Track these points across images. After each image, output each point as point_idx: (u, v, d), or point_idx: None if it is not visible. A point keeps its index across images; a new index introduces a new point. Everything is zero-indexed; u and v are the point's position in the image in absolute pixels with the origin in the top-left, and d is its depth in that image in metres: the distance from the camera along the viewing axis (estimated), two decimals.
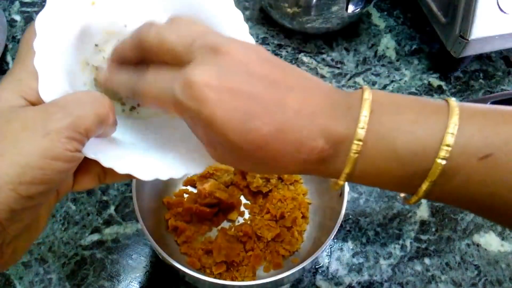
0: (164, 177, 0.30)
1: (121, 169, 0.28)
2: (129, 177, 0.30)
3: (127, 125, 0.32)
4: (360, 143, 0.25)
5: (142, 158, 0.30)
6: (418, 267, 0.53)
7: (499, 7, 0.57)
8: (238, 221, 0.54)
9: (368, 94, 0.26)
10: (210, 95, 0.24)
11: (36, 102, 0.26)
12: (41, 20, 0.27)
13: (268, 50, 0.69)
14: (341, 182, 0.27)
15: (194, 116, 0.25)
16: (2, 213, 0.23)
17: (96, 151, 0.28)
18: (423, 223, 0.56)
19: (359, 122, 0.25)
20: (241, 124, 0.25)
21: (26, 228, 0.26)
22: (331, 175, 0.28)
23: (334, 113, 0.26)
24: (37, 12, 0.69)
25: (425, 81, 0.68)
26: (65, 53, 0.28)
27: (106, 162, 0.28)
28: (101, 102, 0.26)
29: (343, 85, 0.67)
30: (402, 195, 0.30)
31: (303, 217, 0.53)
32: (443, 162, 0.25)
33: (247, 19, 0.70)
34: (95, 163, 0.28)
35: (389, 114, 0.26)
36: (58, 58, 0.27)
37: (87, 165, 0.29)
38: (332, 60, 0.70)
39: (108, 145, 0.29)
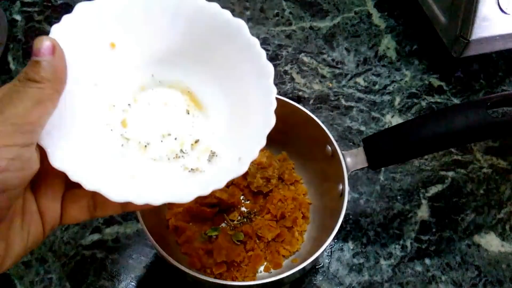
0: (139, 200, 0.27)
1: (88, 184, 0.26)
2: (122, 208, 0.29)
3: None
4: None
5: (121, 180, 0.28)
6: (419, 268, 0.53)
7: (500, 8, 0.57)
8: (238, 219, 0.53)
9: None
10: None
11: None
12: None
13: (269, 50, 0.69)
14: None
15: None
16: None
17: (73, 166, 0.26)
18: (423, 223, 0.56)
19: None
20: None
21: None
22: None
23: None
24: (38, 12, 0.70)
25: (426, 82, 0.68)
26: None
27: (74, 176, 0.25)
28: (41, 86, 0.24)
29: (343, 85, 0.67)
30: None
31: (304, 217, 0.53)
32: None
33: (247, 19, 0.70)
34: (83, 193, 0.26)
35: None
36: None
37: (75, 195, 0.27)
38: (333, 60, 0.70)
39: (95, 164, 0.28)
